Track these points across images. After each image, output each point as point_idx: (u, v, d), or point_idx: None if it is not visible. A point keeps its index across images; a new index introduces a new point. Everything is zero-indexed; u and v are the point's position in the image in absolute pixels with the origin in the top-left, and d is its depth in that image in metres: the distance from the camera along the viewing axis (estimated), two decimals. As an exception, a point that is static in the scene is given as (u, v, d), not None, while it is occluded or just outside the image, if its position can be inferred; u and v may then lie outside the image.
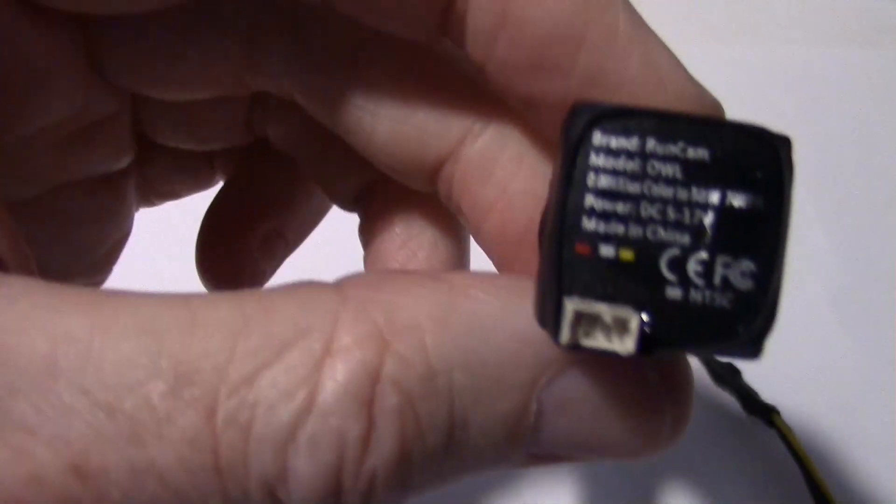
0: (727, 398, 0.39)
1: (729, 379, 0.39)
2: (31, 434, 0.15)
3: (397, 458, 0.16)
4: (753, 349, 0.16)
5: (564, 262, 0.16)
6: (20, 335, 0.15)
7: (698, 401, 0.39)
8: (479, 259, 0.24)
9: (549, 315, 0.16)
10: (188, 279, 0.29)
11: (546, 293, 0.16)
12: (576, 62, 0.18)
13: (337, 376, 0.16)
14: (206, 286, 0.30)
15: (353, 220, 0.28)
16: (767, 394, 0.38)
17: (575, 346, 0.15)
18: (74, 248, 0.27)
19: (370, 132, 0.22)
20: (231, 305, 0.16)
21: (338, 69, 0.22)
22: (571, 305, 0.15)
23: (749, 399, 0.38)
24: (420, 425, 0.16)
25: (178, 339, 0.16)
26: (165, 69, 0.23)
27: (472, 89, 0.22)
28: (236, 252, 0.29)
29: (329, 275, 0.18)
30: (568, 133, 0.16)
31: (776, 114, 0.47)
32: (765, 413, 0.37)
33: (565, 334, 0.15)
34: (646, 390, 0.18)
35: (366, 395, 0.16)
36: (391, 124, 0.22)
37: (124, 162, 0.26)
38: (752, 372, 0.38)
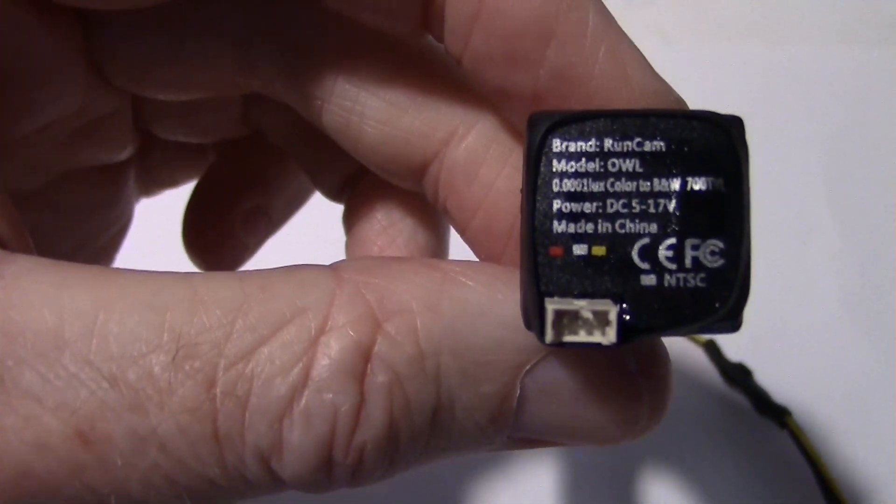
0: (739, 399, 0.39)
1: (741, 380, 0.38)
2: (39, 402, 0.16)
3: (386, 433, 0.17)
4: (732, 323, 0.16)
5: (541, 266, 0.16)
6: (27, 309, 0.16)
7: (710, 402, 0.39)
8: (461, 251, 0.24)
9: (532, 318, 0.16)
10: (187, 268, 0.30)
11: (528, 298, 0.17)
12: (545, 56, 0.19)
13: (331, 353, 0.17)
14: (191, 259, 0.31)
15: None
16: (779, 395, 0.38)
17: (560, 344, 0.16)
18: (77, 237, 0.28)
19: (358, 133, 0.23)
20: (231, 284, 0.17)
21: (327, 73, 0.23)
22: (552, 306, 0.16)
23: (761, 400, 0.38)
24: (408, 403, 0.17)
25: (180, 315, 0.16)
26: (161, 72, 0.24)
27: (456, 92, 0.22)
28: (220, 226, 0.31)
29: (322, 261, 0.19)
30: (528, 143, 0.17)
31: (788, 113, 0.48)
32: (777, 414, 0.37)
33: (549, 334, 0.16)
34: (625, 377, 0.18)
35: (358, 372, 0.17)
36: (378, 126, 0.23)
37: (125, 154, 0.27)
38: (763, 373, 0.38)
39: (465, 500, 0.37)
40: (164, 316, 0.16)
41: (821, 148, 0.48)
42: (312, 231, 0.33)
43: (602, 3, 0.19)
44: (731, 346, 0.39)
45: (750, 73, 0.50)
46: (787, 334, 0.42)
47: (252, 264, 0.31)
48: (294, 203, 0.32)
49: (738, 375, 0.39)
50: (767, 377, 0.39)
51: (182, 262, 0.31)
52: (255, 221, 0.31)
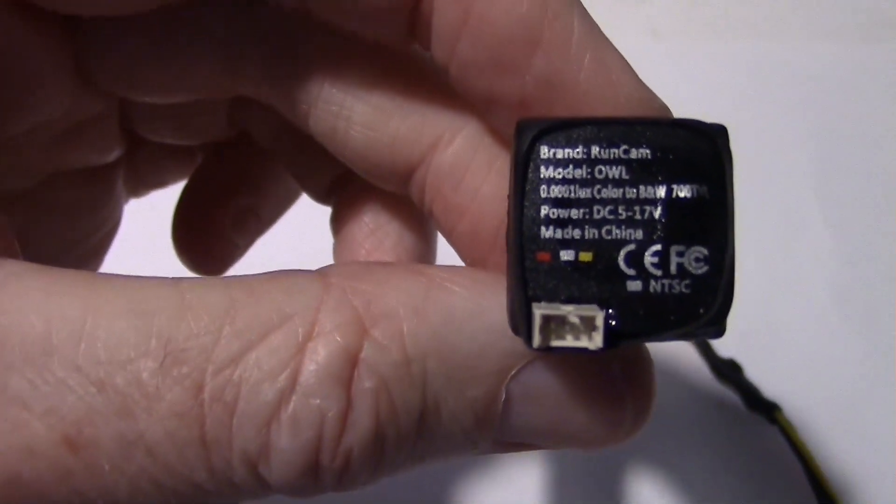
0: (729, 395, 0.39)
1: (730, 375, 0.39)
2: (27, 408, 0.16)
3: (372, 437, 0.17)
4: (716, 329, 0.16)
5: (528, 271, 0.17)
6: (15, 315, 0.16)
7: (700, 397, 0.40)
8: (448, 256, 0.24)
9: (520, 323, 0.17)
10: (175, 270, 0.30)
11: (515, 302, 0.17)
12: (531, 63, 0.19)
13: (318, 359, 0.17)
14: (181, 259, 0.31)
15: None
16: (769, 390, 0.38)
17: (547, 349, 0.16)
18: (65, 239, 0.28)
19: (344, 138, 0.23)
20: (219, 289, 0.17)
21: (314, 77, 0.23)
22: (539, 311, 0.16)
23: (751, 395, 0.38)
24: (394, 408, 0.17)
25: (168, 320, 0.17)
26: (147, 75, 0.24)
27: (442, 97, 0.23)
28: (210, 227, 0.31)
29: (310, 265, 0.19)
30: (516, 149, 0.17)
31: (778, 110, 0.48)
32: (766, 409, 0.37)
33: (537, 339, 0.16)
34: (609, 382, 0.18)
35: (345, 377, 0.17)
36: (364, 131, 0.23)
37: (113, 156, 0.27)
38: (753, 368, 0.39)
39: (453, 499, 0.37)
40: (152, 321, 0.16)
41: (810, 144, 0.48)
42: (300, 230, 0.33)
43: (586, 10, 0.19)
44: (722, 341, 0.39)
45: (740, 70, 0.50)
46: (776, 330, 0.42)
47: (241, 263, 0.32)
48: (283, 202, 0.32)
49: (728, 371, 0.39)
50: (757, 373, 0.39)
51: (171, 262, 0.31)
52: (245, 221, 0.31)
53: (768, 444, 0.38)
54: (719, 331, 0.16)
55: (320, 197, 0.29)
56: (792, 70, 0.50)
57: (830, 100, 0.50)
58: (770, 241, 0.45)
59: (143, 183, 0.30)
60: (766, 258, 0.44)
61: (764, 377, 0.39)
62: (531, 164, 0.17)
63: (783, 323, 0.42)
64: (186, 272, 0.31)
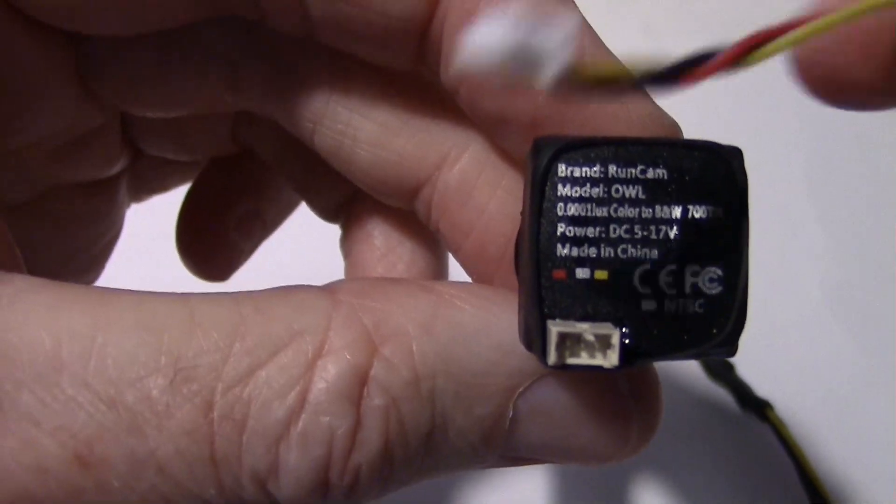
0: (721, 392, 0.39)
1: (723, 373, 0.39)
2: (37, 425, 0.16)
3: (381, 455, 0.17)
4: (729, 349, 0.17)
5: (544, 288, 0.17)
6: (24, 331, 0.16)
7: (692, 395, 0.40)
8: (460, 272, 0.25)
9: (535, 340, 0.17)
10: (179, 275, 0.30)
11: (530, 319, 0.17)
12: None
13: (328, 376, 0.17)
14: (185, 264, 0.31)
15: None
16: (761, 388, 0.38)
17: (562, 366, 0.16)
18: (67, 248, 0.28)
19: (350, 155, 0.23)
20: (228, 305, 0.17)
21: (318, 95, 0.23)
22: (555, 328, 0.16)
23: (743, 393, 0.38)
24: (403, 426, 0.17)
25: (178, 337, 0.17)
26: (149, 90, 0.24)
27: (448, 114, 0.23)
28: (214, 231, 0.31)
29: (313, 281, 0.19)
30: (534, 167, 0.17)
31: (770, 110, 0.48)
32: (758, 407, 0.38)
33: (552, 356, 0.16)
34: (617, 399, 0.19)
35: (354, 395, 0.17)
36: (370, 149, 0.23)
37: (115, 169, 0.27)
38: (745, 366, 0.39)
39: (455, 503, 0.37)
40: (162, 338, 0.16)
41: (803, 142, 0.49)
42: (307, 240, 0.33)
43: (594, 30, 0.19)
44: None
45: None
46: (769, 329, 0.42)
47: (248, 274, 0.31)
48: (288, 206, 0.32)
49: (720, 369, 0.39)
50: (749, 371, 0.39)
51: (175, 267, 0.31)
52: (250, 225, 0.31)
53: (760, 441, 0.38)
54: (731, 351, 0.17)
55: (328, 216, 0.29)
56: (785, 68, 0.50)
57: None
58: (763, 239, 0.45)
59: (145, 189, 0.30)
60: (758, 256, 0.44)
61: (756, 375, 0.39)
62: (548, 182, 0.17)
63: (775, 322, 0.43)
64: (189, 277, 0.31)
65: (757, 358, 0.40)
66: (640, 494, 0.38)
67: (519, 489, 0.38)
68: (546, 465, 0.38)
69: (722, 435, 0.39)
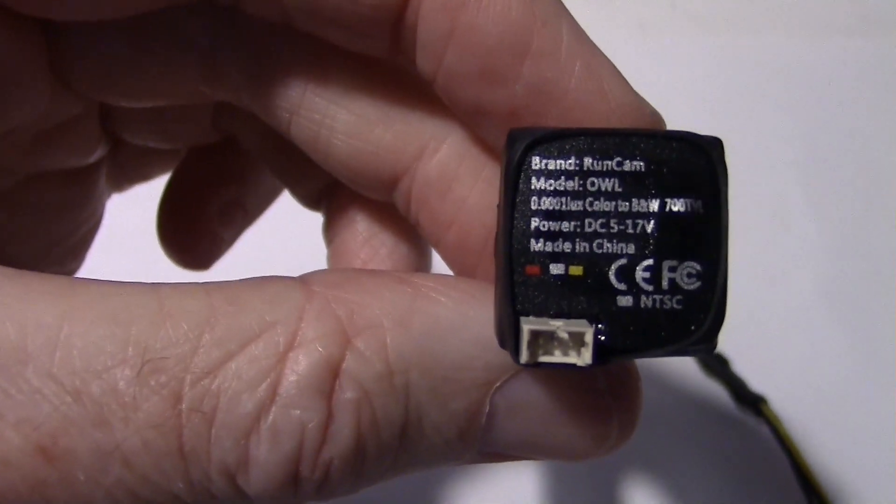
0: (716, 387, 0.39)
1: (718, 369, 0.39)
2: (0, 417, 0.15)
3: (353, 449, 0.17)
4: (707, 346, 0.16)
5: (517, 284, 0.16)
6: None
7: (687, 390, 0.40)
8: (440, 262, 0.24)
9: (507, 337, 0.16)
10: (160, 265, 0.30)
11: (503, 316, 0.16)
12: (521, 71, 0.18)
13: (299, 369, 0.17)
14: (166, 253, 0.30)
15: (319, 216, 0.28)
16: (756, 383, 0.38)
17: (535, 364, 0.16)
18: (47, 238, 0.28)
19: (327, 146, 0.23)
20: (199, 296, 0.17)
21: (295, 84, 0.22)
22: (528, 326, 0.16)
23: (738, 388, 0.38)
24: (376, 420, 0.17)
25: (146, 328, 0.16)
26: (124, 80, 0.24)
27: (427, 104, 0.22)
28: (196, 219, 0.30)
29: (296, 270, 0.19)
30: (507, 160, 0.16)
31: (765, 103, 0.48)
32: (753, 402, 0.37)
33: (524, 355, 0.16)
34: (595, 396, 0.18)
35: (326, 388, 0.17)
36: (347, 139, 0.22)
37: (94, 157, 0.27)
38: (740, 361, 0.39)
39: (445, 502, 0.37)
40: (130, 329, 0.16)
41: (796, 138, 0.48)
42: (288, 230, 0.33)
43: (573, 17, 0.19)
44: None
45: (727, 64, 0.50)
46: (763, 324, 0.42)
47: (227, 266, 0.31)
48: (270, 194, 0.31)
49: (715, 364, 0.39)
50: (744, 366, 0.39)
51: (156, 257, 0.30)
52: (232, 214, 0.30)
53: (755, 436, 0.38)
54: (710, 348, 0.16)
55: (310, 204, 0.28)
56: (778, 64, 0.50)
57: (817, 94, 0.50)
58: (757, 234, 0.45)
59: (126, 178, 0.30)
60: (752, 252, 0.44)
61: (751, 370, 0.39)
62: (522, 175, 0.16)
63: (770, 316, 0.43)
64: (172, 267, 0.30)
65: (752, 353, 0.40)
66: (634, 489, 0.38)
67: (510, 487, 0.37)
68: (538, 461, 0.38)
69: (716, 430, 0.39)
